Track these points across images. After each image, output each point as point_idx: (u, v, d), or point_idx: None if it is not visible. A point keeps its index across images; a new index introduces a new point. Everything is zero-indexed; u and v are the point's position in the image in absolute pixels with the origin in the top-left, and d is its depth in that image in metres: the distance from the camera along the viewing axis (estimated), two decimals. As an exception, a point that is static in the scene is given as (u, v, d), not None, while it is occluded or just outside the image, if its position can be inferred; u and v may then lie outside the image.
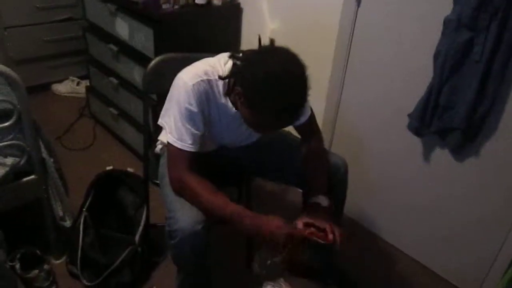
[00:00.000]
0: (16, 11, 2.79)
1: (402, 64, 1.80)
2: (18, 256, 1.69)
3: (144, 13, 2.11)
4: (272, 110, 1.17)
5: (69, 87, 3.17)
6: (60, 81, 3.20)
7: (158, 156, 1.61)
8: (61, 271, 1.81)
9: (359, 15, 1.86)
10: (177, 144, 1.32)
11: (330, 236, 1.28)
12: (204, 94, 1.31)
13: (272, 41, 1.26)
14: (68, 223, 1.80)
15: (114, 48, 2.39)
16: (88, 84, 2.90)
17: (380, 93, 1.92)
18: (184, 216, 1.28)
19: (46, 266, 1.72)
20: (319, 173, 1.50)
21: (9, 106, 1.51)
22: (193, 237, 1.27)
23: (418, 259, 2.05)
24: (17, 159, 1.57)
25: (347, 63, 1.98)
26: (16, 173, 1.60)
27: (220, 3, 2.25)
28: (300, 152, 1.57)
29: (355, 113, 2.06)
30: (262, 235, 1.25)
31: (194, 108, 1.30)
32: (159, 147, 1.60)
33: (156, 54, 1.94)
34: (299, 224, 1.31)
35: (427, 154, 1.85)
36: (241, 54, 1.28)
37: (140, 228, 1.80)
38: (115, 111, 2.60)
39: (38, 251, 1.74)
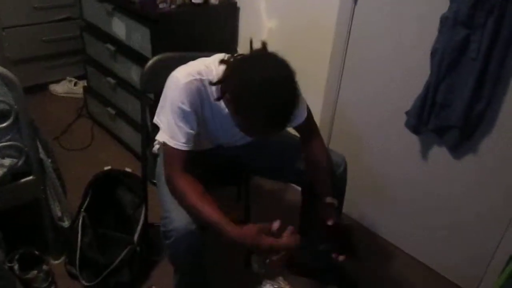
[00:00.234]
0: (14, 11, 2.79)
1: (400, 61, 1.80)
2: (16, 257, 1.69)
3: (141, 12, 2.11)
4: (260, 118, 1.16)
5: (66, 87, 3.17)
6: (57, 82, 3.19)
7: (156, 156, 1.61)
8: (60, 272, 1.81)
9: (356, 13, 1.86)
10: (171, 143, 1.31)
11: None
12: (197, 93, 1.30)
13: (264, 44, 1.25)
14: (66, 224, 1.80)
15: (112, 47, 2.39)
16: (85, 84, 2.89)
17: (377, 91, 1.92)
18: (179, 216, 1.28)
19: (44, 267, 1.72)
20: (324, 174, 1.51)
21: (6, 107, 1.50)
22: (188, 237, 1.27)
23: (416, 257, 2.05)
24: (15, 160, 1.57)
25: (344, 61, 1.98)
26: (14, 174, 1.60)
27: (217, 2, 2.25)
28: (299, 149, 1.57)
29: (353, 111, 2.06)
30: (247, 246, 1.24)
31: (187, 107, 1.29)
32: (156, 146, 1.59)
33: (154, 54, 1.94)
34: (275, 225, 1.26)
35: (425, 152, 1.86)
36: (232, 59, 1.26)
37: (139, 227, 1.80)
38: (112, 111, 2.59)
39: (36, 252, 1.74)
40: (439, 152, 1.80)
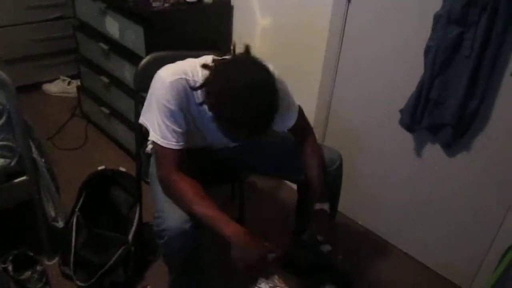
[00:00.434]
0: (6, 10, 2.77)
1: (394, 60, 1.80)
2: (10, 257, 1.68)
3: (134, 11, 2.10)
4: (238, 124, 1.17)
5: (60, 86, 3.15)
6: (51, 81, 3.18)
7: (149, 156, 1.61)
8: (54, 272, 1.80)
9: (350, 12, 1.86)
10: (161, 142, 1.30)
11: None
12: (183, 92, 1.29)
13: (247, 47, 1.25)
14: (60, 224, 1.79)
15: (105, 46, 2.37)
16: (79, 83, 2.88)
17: (372, 89, 1.93)
18: (172, 215, 1.28)
19: (39, 268, 1.71)
20: (319, 174, 1.50)
21: (-2, 107, 1.49)
22: (182, 236, 1.26)
23: (411, 254, 2.06)
24: (8, 160, 1.56)
25: (338, 60, 1.98)
26: (7, 174, 1.59)
27: (210, 1, 2.24)
28: (293, 146, 1.56)
29: (347, 110, 2.06)
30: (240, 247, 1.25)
31: (172, 106, 1.27)
32: (149, 146, 1.59)
33: (147, 53, 1.93)
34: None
35: (419, 150, 1.86)
36: (213, 64, 1.25)
37: (133, 227, 1.80)
38: (106, 110, 2.58)
39: (30, 253, 1.73)
40: (433, 150, 1.81)
